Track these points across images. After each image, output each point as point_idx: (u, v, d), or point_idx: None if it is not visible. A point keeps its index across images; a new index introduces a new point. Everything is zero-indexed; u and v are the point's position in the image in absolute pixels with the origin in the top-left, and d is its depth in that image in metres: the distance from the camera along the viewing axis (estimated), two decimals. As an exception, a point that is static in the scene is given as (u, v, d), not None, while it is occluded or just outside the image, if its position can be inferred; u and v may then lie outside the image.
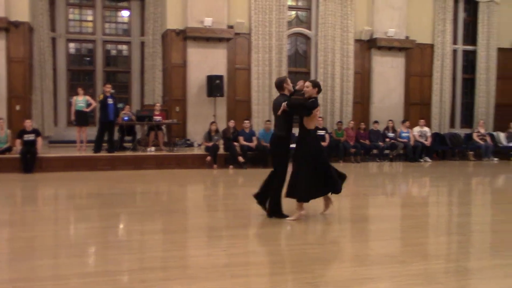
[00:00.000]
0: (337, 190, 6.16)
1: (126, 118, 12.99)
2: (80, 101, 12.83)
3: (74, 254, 4.70)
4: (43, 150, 12.00)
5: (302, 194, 6.09)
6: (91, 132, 13.07)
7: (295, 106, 6.10)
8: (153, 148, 12.91)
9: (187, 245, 5.18)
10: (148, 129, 13.32)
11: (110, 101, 12.26)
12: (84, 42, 15.85)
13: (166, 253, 4.83)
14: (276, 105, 6.26)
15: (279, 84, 6.37)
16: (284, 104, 6.06)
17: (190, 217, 6.84)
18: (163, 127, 13.62)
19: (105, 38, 15.81)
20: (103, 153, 12.13)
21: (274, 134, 6.39)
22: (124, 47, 16.07)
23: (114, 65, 16.18)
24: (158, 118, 13.06)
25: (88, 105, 12.99)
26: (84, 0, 15.71)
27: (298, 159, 6.17)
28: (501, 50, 17.13)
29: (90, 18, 15.76)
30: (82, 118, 12.84)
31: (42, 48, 14.50)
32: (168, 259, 4.57)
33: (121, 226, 6.21)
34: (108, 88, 12.42)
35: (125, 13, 16.03)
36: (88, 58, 16.00)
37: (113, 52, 16.16)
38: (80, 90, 12.94)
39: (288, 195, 6.20)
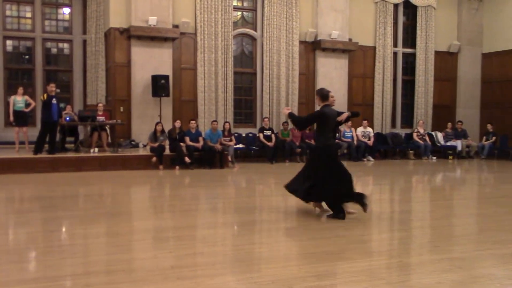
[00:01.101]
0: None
1: (68, 118, 12.62)
2: (19, 101, 12.37)
3: (14, 260, 4.52)
4: (-22, 152, 11.48)
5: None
6: (33, 132, 12.60)
7: (355, 115, 7.17)
8: (96, 149, 12.61)
9: (132, 248, 5.09)
10: (91, 130, 12.99)
11: (54, 101, 11.89)
12: (22, 39, 15.27)
13: (110, 256, 4.73)
14: (333, 115, 6.53)
15: (327, 95, 6.54)
16: (349, 113, 6.88)
17: (135, 219, 6.73)
18: (107, 128, 13.33)
19: (45, 36, 15.29)
20: (43, 155, 11.73)
21: (336, 144, 6.88)
22: (65, 45, 15.60)
23: (54, 63, 15.67)
24: (101, 118, 12.79)
25: (27, 105, 12.53)
26: (22, -4, 15.14)
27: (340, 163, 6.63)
28: (438, 53, 17.84)
29: (28, 14, 15.20)
30: (21, 119, 12.38)
31: (-23, 45, 13.89)
32: (113, 262, 4.48)
33: (63, 229, 6.02)
34: (53, 88, 12.02)
35: (66, 10, 15.56)
36: (26, 56, 15.43)
37: (54, 51, 15.65)
38: (20, 90, 12.48)
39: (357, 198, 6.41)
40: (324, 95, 6.56)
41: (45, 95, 11.92)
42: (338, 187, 6.32)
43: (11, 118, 12.51)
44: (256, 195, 9.23)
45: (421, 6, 17.48)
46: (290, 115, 6.73)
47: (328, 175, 6.32)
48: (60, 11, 15.59)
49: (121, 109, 14.28)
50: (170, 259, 4.57)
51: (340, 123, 6.84)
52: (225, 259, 4.69)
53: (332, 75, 16.35)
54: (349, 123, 15.41)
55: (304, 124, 7.28)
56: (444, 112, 17.98)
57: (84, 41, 15.22)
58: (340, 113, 6.73)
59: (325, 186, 6.32)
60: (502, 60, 17.64)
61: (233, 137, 13.74)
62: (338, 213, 6.31)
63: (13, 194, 8.81)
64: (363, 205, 6.25)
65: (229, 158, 13.11)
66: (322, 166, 6.39)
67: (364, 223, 6.24)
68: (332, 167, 6.37)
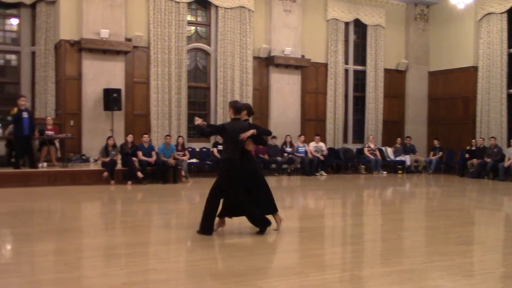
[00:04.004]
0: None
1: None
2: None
3: (-46, 280, 4.31)
4: None
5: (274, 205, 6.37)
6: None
7: (264, 133, 6.46)
8: (45, 164, 12.24)
9: (81, 266, 4.94)
10: (39, 144, 12.61)
11: (25, 114, 11.53)
12: (-33, 50, 14.69)
13: (58, 275, 4.58)
14: (239, 130, 6.13)
15: (240, 109, 6.28)
16: (254, 131, 6.15)
17: (85, 236, 6.54)
18: (56, 142, 12.99)
19: (-9, 47, 14.77)
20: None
21: (234, 159, 6.16)
22: (12, 56, 15.10)
23: (1, 75, 15.14)
24: (50, 132, 12.45)
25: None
26: (-32, 5, 14.60)
27: (259, 176, 6.47)
28: (387, 71, 18.35)
29: (-26, 25, 14.67)
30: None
31: None
32: (61, 281, 4.33)
33: (8, 247, 5.79)
34: (23, 101, 11.66)
35: (14, 21, 15.11)
36: (-28, 68, 14.84)
37: (0, 62, 15.13)
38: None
39: (268, 211, 6.31)
40: (238, 106, 6.34)
41: (16, 109, 11.55)
42: (246, 202, 6.25)
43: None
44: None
45: (370, 25, 17.99)
46: (197, 127, 6.44)
47: (233, 190, 6.22)
48: (8, 22, 15.12)
49: (72, 123, 13.93)
50: (121, 276, 4.47)
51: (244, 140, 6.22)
52: (178, 275, 4.63)
53: (285, 90, 16.54)
54: (301, 137, 15.64)
55: (205, 135, 7.27)
56: (393, 128, 18.48)
57: (33, 53, 14.80)
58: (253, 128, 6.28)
59: (235, 201, 6.25)
60: (446, 78, 18.34)
61: (186, 152, 13.63)
62: (263, 225, 6.23)
63: (-46, 211, 8.41)
64: (260, 228, 6.24)
65: (183, 173, 12.99)
66: (226, 181, 6.24)
67: (316, 237, 6.30)
68: (236, 182, 6.22)
